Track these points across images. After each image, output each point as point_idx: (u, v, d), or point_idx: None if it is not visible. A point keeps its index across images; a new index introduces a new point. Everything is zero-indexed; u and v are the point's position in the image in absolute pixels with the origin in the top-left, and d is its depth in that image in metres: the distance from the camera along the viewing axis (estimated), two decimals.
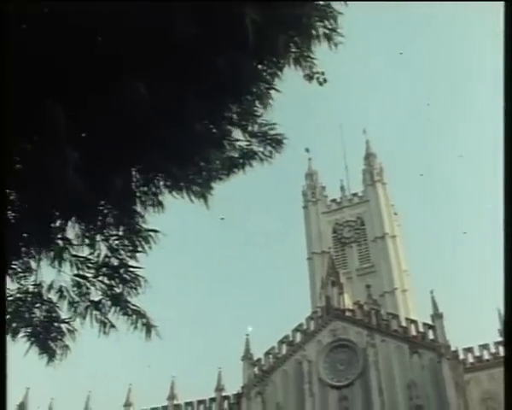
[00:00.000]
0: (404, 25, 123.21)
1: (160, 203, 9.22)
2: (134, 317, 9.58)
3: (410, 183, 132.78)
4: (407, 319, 52.37)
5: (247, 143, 9.33)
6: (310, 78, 8.89)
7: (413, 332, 49.47)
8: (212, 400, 58.44)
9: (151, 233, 9.26)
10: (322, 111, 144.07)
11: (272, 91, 8.74)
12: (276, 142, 9.27)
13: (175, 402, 59.77)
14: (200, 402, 59.16)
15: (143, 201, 9.06)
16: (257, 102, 8.73)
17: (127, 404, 61.97)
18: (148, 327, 9.73)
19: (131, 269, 9.45)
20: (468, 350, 50.88)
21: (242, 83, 7.98)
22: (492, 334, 50.77)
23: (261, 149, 9.36)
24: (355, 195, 74.86)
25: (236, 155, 9.38)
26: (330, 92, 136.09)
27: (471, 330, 77.87)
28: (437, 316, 48.92)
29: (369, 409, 46.80)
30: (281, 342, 53.49)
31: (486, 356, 50.49)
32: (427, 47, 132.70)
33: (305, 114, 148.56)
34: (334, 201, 75.30)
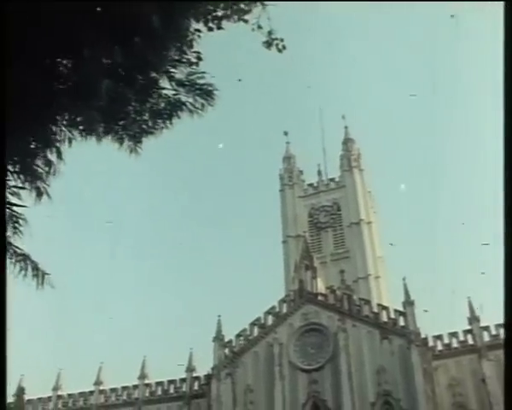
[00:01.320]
0: (394, 16, 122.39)
1: (48, 141, 8.65)
2: (22, 263, 9.22)
3: (388, 170, 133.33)
4: (379, 305, 52.69)
5: (175, 92, 8.98)
6: (269, 44, 8.71)
7: (384, 318, 49.80)
8: (183, 380, 58.64)
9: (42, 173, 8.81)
10: (302, 95, 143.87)
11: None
12: (206, 92, 8.94)
13: (146, 382, 59.87)
14: (171, 382, 59.34)
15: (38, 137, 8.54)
16: (180, 48, 8.44)
17: (97, 382, 61.94)
18: (40, 275, 9.37)
19: (9, 206, 8.96)
20: (438, 338, 51.44)
21: (148, 21, 7.47)
22: (462, 322, 51.45)
23: (190, 100, 8.99)
24: (332, 180, 74.90)
25: (162, 105, 9.00)
26: (313, 77, 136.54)
27: (442, 318, 78.64)
28: (408, 303, 49.31)
29: (338, 393, 47.17)
30: (252, 324, 53.53)
31: (455, 344, 51.11)
32: (416, 40, 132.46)
33: (286, 98, 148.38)
34: (310, 185, 75.27)
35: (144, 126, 8.94)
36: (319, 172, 76.06)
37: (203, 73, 8.94)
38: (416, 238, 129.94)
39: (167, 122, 9.15)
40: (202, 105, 8.99)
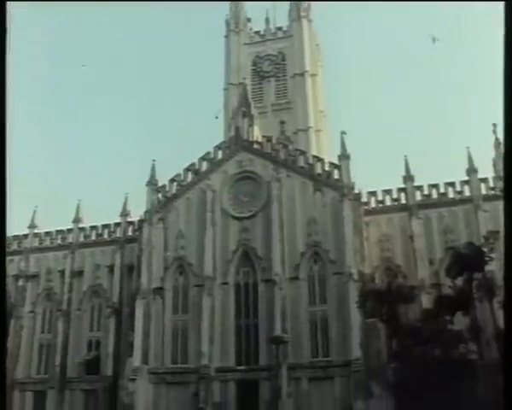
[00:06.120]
0: None
1: None
2: None
3: (340, 24, 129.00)
4: (314, 156, 52.00)
5: None
6: None
7: (319, 170, 49.36)
8: (117, 225, 58.07)
9: None
10: None
11: None
12: None
13: (80, 225, 59.14)
14: (105, 227, 58.78)
15: None
16: None
17: (32, 226, 61.01)
18: None
19: None
20: (372, 194, 51.41)
21: None
22: (397, 180, 51.42)
23: None
24: (279, 29, 71.76)
25: None
26: None
27: (380, 175, 79.62)
28: (344, 157, 48.75)
29: (268, 242, 47.37)
30: (186, 169, 52.51)
31: (388, 202, 51.26)
32: None
33: None
34: (257, 33, 72.14)
35: None
36: (267, 20, 72.60)
37: None
38: (360, 94, 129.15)
39: None
40: None
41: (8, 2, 6.05)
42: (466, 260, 36.98)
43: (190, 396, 45.39)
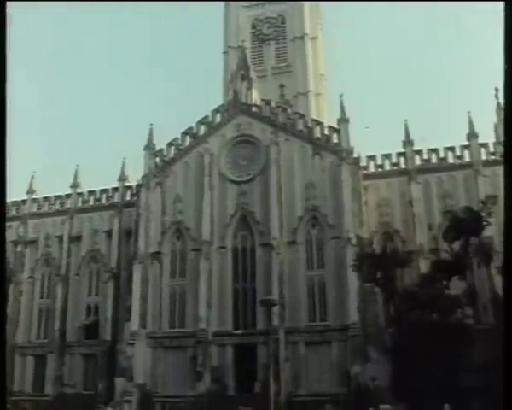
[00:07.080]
0: None
1: None
2: None
3: None
4: (313, 120, 51.31)
5: None
6: None
7: (318, 134, 48.74)
8: (115, 189, 57.73)
9: None
10: None
11: None
12: None
13: (78, 191, 58.85)
14: (103, 191, 58.47)
15: None
16: None
17: (30, 191, 60.71)
18: None
19: None
20: (371, 158, 50.86)
21: None
22: (397, 144, 50.77)
23: None
24: None
25: None
26: None
27: (379, 139, 78.61)
28: (343, 121, 48.05)
29: (266, 205, 47.06)
30: (184, 133, 51.90)
31: (387, 166, 50.72)
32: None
33: None
34: None
35: None
36: None
37: None
38: (360, 58, 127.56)
39: None
40: None
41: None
42: (463, 225, 36.64)
43: (188, 360, 45.49)
